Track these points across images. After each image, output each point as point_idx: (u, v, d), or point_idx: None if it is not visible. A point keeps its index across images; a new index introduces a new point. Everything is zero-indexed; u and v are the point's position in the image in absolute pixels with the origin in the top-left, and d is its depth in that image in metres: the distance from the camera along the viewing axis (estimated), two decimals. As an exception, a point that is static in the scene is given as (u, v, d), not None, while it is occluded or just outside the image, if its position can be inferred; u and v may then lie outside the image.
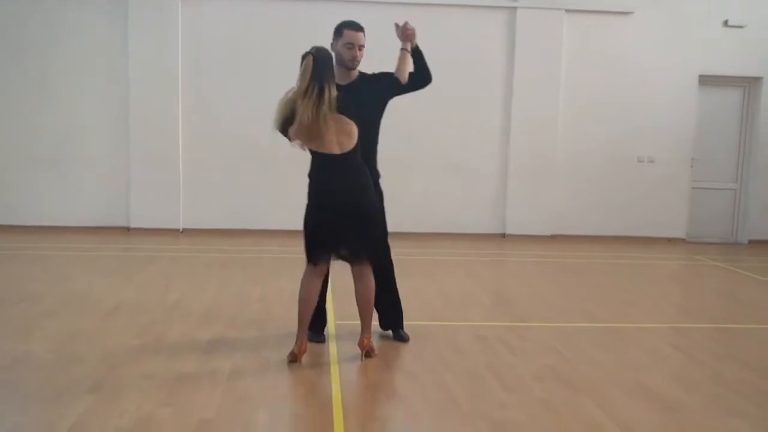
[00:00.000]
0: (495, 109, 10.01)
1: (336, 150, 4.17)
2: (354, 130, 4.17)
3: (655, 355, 4.82)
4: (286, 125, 4.21)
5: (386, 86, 4.48)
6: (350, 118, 4.14)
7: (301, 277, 4.41)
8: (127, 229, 9.68)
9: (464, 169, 9.86)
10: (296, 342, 4.32)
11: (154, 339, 4.76)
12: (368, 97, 4.40)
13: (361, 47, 4.50)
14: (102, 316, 5.33)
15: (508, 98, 9.96)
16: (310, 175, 4.34)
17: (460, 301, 6.14)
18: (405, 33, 4.43)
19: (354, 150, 4.20)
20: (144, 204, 9.66)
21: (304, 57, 4.16)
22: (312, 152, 4.26)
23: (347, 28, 4.51)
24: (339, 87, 4.23)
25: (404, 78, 4.46)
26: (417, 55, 4.54)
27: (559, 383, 4.14)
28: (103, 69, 9.58)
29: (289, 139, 4.23)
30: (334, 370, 4.23)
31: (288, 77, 10.60)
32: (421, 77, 4.57)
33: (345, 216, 4.20)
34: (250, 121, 9.67)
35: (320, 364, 4.36)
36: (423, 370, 4.32)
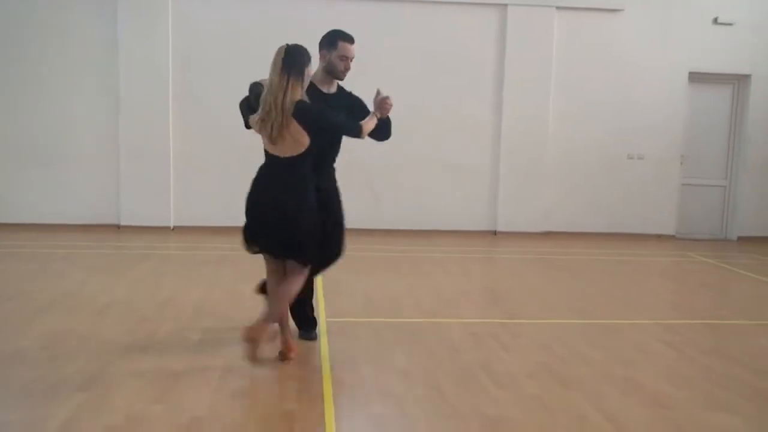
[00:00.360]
0: (486, 107, 10.02)
1: (278, 153, 4.10)
2: (304, 140, 4.01)
3: (646, 351, 4.84)
4: (248, 113, 4.26)
5: (357, 115, 4.35)
6: (308, 126, 3.98)
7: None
8: (117, 227, 9.64)
9: (456, 167, 9.86)
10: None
11: (145, 336, 4.75)
12: (342, 112, 4.31)
13: (352, 59, 4.51)
14: (93, 314, 5.31)
15: (499, 95, 9.98)
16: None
17: (453, 298, 6.15)
18: (383, 106, 4.25)
19: (299, 157, 4.06)
20: (134, 201, 9.62)
21: (279, 49, 4.09)
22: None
23: (342, 40, 4.49)
24: (321, 94, 4.29)
25: (365, 135, 4.24)
26: (385, 121, 4.45)
27: (551, 380, 4.16)
28: (93, 65, 9.51)
29: (247, 127, 4.29)
30: (326, 368, 4.24)
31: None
32: (381, 135, 4.52)
33: (267, 216, 4.21)
34: (241, 118, 9.66)
35: (312, 362, 4.36)
36: (415, 367, 4.33)
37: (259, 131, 4.10)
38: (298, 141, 4.01)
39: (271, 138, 4.06)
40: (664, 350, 4.87)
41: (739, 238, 10.60)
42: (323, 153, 4.34)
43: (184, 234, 9.46)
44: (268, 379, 4.05)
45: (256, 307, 5.61)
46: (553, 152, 10.15)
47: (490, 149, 10.03)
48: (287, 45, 4.08)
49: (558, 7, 9.92)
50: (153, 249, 8.35)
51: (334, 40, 4.52)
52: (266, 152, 4.21)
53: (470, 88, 9.92)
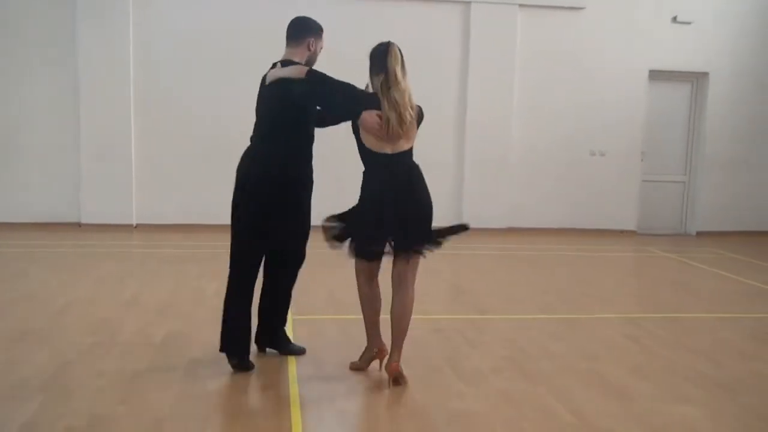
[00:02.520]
0: (450, 104, 10.05)
1: (391, 150, 3.94)
2: (414, 132, 3.98)
3: (609, 345, 4.91)
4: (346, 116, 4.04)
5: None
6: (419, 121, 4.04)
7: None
8: (78, 225, 9.46)
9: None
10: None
11: (107, 336, 4.67)
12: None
13: None
14: (53, 314, 5.21)
15: (463, 92, 10.02)
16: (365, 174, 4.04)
17: (418, 295, 6.12)
18: (367, 122, 3.89)
19: (411, 150, 4.03)
20: (95, 199, 9.44)
21: (381, 47, 3.98)
22: (367, 150, 3.96)
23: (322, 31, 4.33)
24: None
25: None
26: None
27: (516, 374, 4.20)
28: (51, 59, 9.30)
29: (357, 134, 3.96)
30: (292, 366, 4.21)
31: (244, 70, 10.49)
32: (329, 123, 4.39)
33: (406, 213, 3.95)
34: (204, 114, 9.56)
35: (277, 361, 4.33)
36: (378, 362, 4.32)
37: (387, 131, 3.85)
38: (412, 135, 3.98)
39: (396, 135, 3.88)
40: (627, 344, 4.94)
41: (698, 233, 10.81)
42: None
43: (147, 232, 9.32)
44: (232, 378, 4.01)
45: (220, 305, 5.55)
46: (517, 148, 10.22)
47: (454, 146, 10.07)
48: (393, 43, 4.02)
49: (521, 5, 9.99)
50: (115, 247, 8.22)
51: (320, 31, 4.32)
52: (370, 153, 3.94)
53: (434, 85, 9.90)
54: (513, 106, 10.14)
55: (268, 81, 4.09)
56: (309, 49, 4.24)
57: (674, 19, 10.39)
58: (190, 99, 9.54)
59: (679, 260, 8.64)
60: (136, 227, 9.56)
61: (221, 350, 4.09)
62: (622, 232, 10.56)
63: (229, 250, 4.14)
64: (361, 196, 4.03)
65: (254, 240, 4.09)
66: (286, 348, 4.42)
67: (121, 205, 9.50)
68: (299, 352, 4.42)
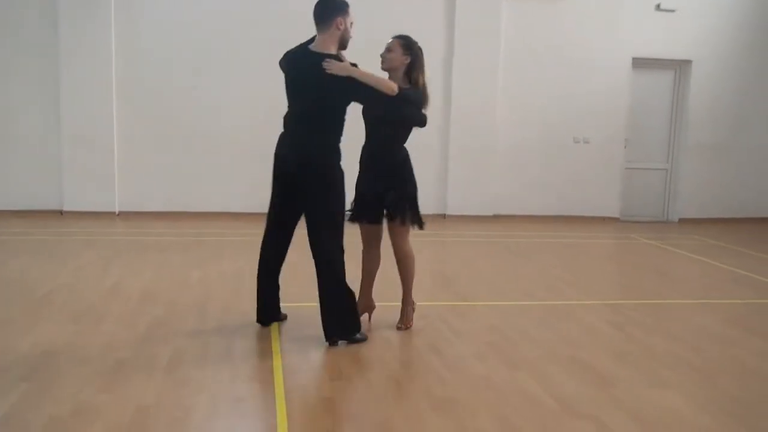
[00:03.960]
0: (435, 93, 9.78)
1: None
2: None
3: (591, 331, 4.96)
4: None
5: None
6: None
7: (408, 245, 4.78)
8: (60, 213, 9.39)
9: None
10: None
11: (90, 324, 4.65)
12: None
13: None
14: (35, 302, 5.18)
15: (448, 81, 10.00)
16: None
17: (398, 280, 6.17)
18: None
19: None
20: (77, 186, 9.36)
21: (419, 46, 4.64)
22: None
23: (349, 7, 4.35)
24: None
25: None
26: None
27: (499, 361, 4.23)
28: (32, 44, 9.19)
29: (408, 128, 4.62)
30: (276, 353, 4.22)
31: (226, 59, 10.42)
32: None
33: None
34: (186, 103, 9.50)
35: (262, 348, 4.33)
36: (365, 350, 4.34)
37: None
38: None
39: None
40: (608, 330, 4.99)
41: (680, 220, 10.91)
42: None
43: (130, 219, 9.27)
44: (217, 365, 4.01)
45: (203, 293, 5.56)
46: (502, 136, 10.25)
47: (439, 134, 10.05)
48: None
49: (505, -7, 9.99)
50: (97, 235, 8.17)
51: (346, 5, 4.33)
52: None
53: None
54: (497, 95, 10.15)
55: (331, 71, 4.12)
56: (338, 29, 4.25)
57: (657, 7, 10.43)
58: (172, 87, 9.47)
59: (661, 247, 8.72)
60: (118, 215, 9.50)
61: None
62: (605, 219, 10.64)
63: (331, 234, 4.28)
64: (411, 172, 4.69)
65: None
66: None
67: (104, 192, 9.43)
68: None
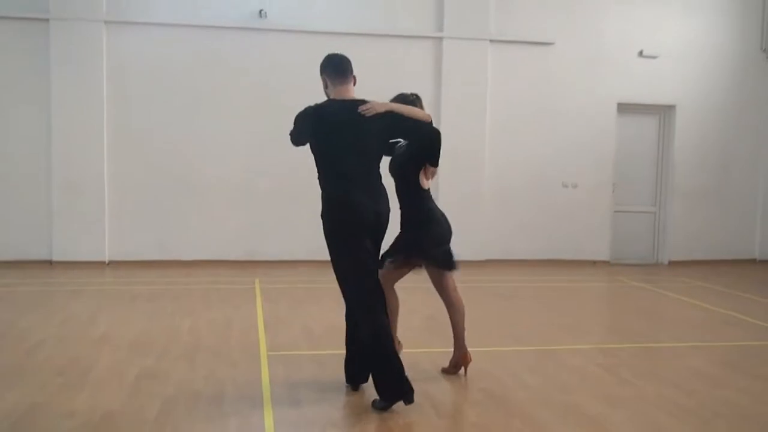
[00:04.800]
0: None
1: None
2: None
3: (583, 375, 4.94)
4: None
5: None
6: None
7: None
8: (49, 263, 9.34)
9: (392, 197, 9.87)
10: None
11: (78, 375, 4.59)
12: None
13: None
14: (22, 353, 5.11)
15: (436, 126, 10.09)
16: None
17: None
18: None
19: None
20: (67, 236, 9.34)
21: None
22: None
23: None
24: None
25: None
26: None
27: (492, 407, 4.20)
28: (24, 94, 9.27)
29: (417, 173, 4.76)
30: (267, 403, 4.17)
31: (214, 105, 10.49)
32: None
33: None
34: (177, 151, 9.55)
35: (253, 397, 4.28)
36: (357, 398, 4.30)
37: None
38: None
39: None
40: (600, 374, 4.97)
41: (670, 263, 10.95)
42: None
43: (120, 269, 9.23)
44: (208, 417, 3.96)
45: (193, 342, 5.51)
46: (490, 181, 10.34)
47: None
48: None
49: (491, 41, 10.19)
50: (87, 285, 8.11)
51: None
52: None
53: (408, 119, 10.03)
54: (485, 140, 10.26)
55: (372, 111, 4.21)
56: (355, 82, 4.47)
57: (640, 54, 10.65)
58: (163, 135, 9.54)
59: (651, 290, 8.74)
60: (108, 264, 9.45)
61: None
62: (595, 262, 10.67)
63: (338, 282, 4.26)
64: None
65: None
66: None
67: (94, 242, 9.41)
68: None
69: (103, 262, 9.44)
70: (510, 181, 10.42)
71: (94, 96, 9.33)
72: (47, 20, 9.15)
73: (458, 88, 10.09)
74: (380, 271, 4.39)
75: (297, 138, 4.27)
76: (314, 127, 4.22)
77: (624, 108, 10.75)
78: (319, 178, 4.28)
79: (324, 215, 4.21)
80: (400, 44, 9.99)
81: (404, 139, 4.58)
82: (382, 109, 4.21)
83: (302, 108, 4.21)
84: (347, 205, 4.14)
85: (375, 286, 4.17)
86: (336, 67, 4.39)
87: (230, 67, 9.51)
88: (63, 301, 7.20)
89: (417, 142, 4.57)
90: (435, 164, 4.70)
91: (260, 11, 9.45)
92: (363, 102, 4.24)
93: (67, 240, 9.34)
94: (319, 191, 4.26)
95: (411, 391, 4.00)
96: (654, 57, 10.65)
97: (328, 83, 4.40)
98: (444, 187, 10.13)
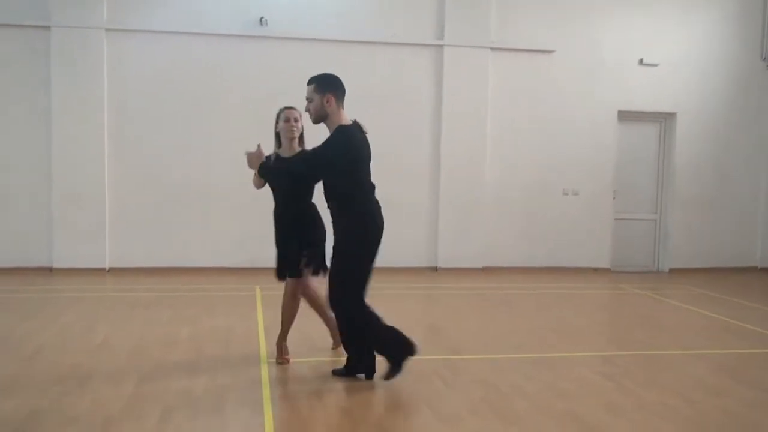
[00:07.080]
0: (424, 145, 10.16)
1: None
2: None
3: (584, 383, 4.93)
4: None
5: None
6: None
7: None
8: (49, 270, 9.34)
9: (395, 204, 9.79)
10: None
11: (77, 382, 4.59)
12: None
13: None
14: (22, 360, 5.11)
15: (437, 134, 10.14)
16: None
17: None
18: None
19: None
20: (68, 243, 9.34)
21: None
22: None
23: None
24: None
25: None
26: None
27: (492, 415, 4.19)
28: (24, 103, 9.29)
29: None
30: (267, 410, 4.17)
31: (215, 114, 10.54)
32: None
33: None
34: (177, 159, 9.56)
35: (253, 403, 4.28)
36: (357, 405, 4.30)
37: None
38: None
39: None
40: (601, 382, 4.96)
41: (671, 270, 10.94)
42: None
43: (120, 276, 9.23)
44: (209, 424, 3.96)
45: (193, 349, 5.51)
46: (491, 189, 10.34)
47: (429, 187, 10.16)
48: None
49: (492, 48, 10.20)
50: (87, 292, 8.11)
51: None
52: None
53: (409, 127, 10.05)
54: (486, 147, 10.27)
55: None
56: None
57: (641, 62, 10.66)
58: (164, 144, 9.56)
59: (651, 297, 8.73)
60: (108, 271, 9.46)
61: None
62: (596, 269, 10.67)
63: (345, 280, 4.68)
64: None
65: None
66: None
67: (94, 249, 9.41)
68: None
69: (103, 269, 9.44)
70: (511, 188, 10.42)
71: (94, 103, 9.35)
72: (48, 28, 9.17)
73: (459, 95, 10.11)
74: (295, 279, 5.04)
75: (337, 167, 4.73)
76: (366, 151, 4.80)
77: (624, 116, 10.76)
78: (344, 200, 4.74)
79: (353, 231, 4.64)
80: (401, 52, 10.01)
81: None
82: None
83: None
84: (378, 224, 4.76)
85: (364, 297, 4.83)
86: (343, 90, 4.62)
87: (231, 75, 9.54)
88: (63, 307, 7.19)
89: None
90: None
91: (261, 19, 9.50)
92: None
93: (68, 247, 9.35)
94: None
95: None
96: (654, 65, 10.67)
97: (334, 102, 4.50)
98: (445, 194, 10.15)
